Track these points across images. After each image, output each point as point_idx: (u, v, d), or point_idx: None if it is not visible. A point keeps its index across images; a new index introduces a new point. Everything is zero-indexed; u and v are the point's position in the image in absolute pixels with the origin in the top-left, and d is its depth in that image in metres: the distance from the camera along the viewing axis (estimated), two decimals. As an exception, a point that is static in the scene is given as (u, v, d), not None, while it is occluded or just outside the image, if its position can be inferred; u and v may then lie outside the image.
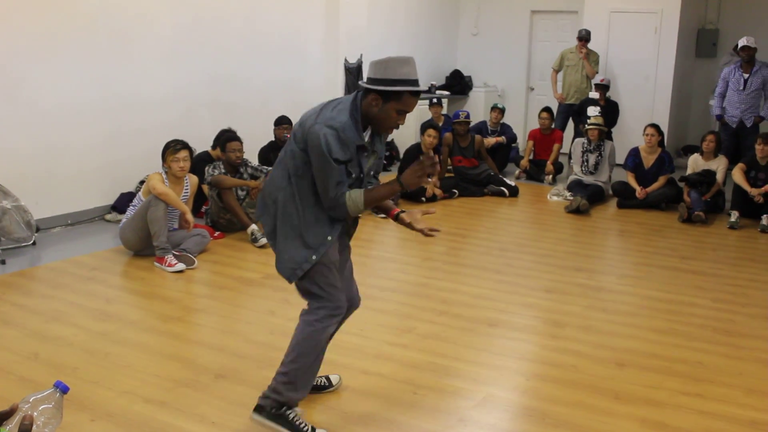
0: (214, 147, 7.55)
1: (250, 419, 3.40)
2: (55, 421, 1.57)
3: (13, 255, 6.06)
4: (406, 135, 10.53)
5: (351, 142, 3.19)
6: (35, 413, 1.52)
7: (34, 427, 1.47)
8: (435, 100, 10.48)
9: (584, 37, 10.53)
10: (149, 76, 7.67)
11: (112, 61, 7.27)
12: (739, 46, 8.84)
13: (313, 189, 3.28)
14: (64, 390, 1.64)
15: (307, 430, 3.36)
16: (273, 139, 8.18)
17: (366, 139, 3.30)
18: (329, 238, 3.32)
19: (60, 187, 6.95)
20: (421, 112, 10.53)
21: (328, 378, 3.87)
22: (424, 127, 9.01)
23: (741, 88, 8.91)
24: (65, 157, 6.97)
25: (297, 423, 3.36)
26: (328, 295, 3.43)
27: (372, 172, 3.50)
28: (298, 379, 3.39)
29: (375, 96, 3.20)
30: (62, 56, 6.82)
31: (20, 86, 6.53)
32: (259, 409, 3.40)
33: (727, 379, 4.05)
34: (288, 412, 3.38)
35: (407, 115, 3.31)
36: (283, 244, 3.37)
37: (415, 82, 3.21)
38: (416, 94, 3.23)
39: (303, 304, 4.96)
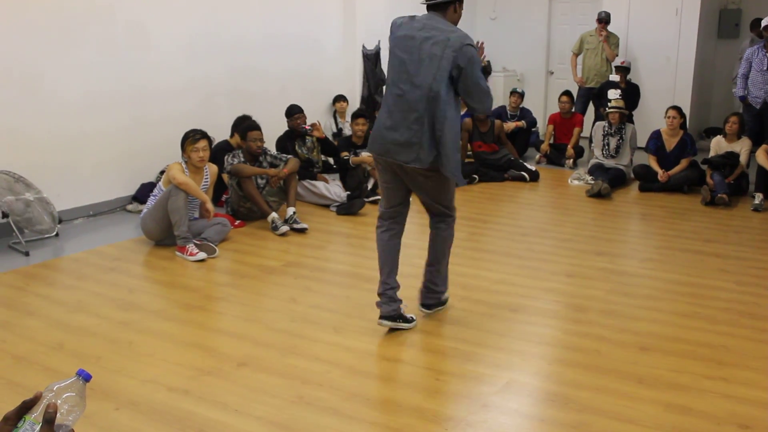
0: (231, 135, 7.57)
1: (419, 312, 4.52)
2: (79, 409, 1.58)
3: (36, 246, 6.11)
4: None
5: None
6: (59, 401, 1.52)
7: (57, 415, 1.48)
8: None
9: (604, 19, 10.43)
10: (167, 66, 7.69)
11: (131, 52, 7.30)
12: (763, 25, 8.71)
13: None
14: (87, 378, 1.64)
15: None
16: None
17: None
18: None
19: (81, 179, 7.00)
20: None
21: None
22: None
23: (765, 68, 8.77)
24: (86, 148, 7.01)
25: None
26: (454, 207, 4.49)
27: None
28: (446, 274, 4.62)
29: (460, 3, 4.27)
30: (81, 48, 6.85)
31: (40, 78, 6.56)
32: (428, 306, 4.63)
33: (752, 363, 4.01)
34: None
35: None
36: (452, 150, 4.08)
37: None
38: None
39: (325, 291, 4.96)
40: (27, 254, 5.90)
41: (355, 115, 8.10)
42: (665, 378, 3.82)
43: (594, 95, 10.37)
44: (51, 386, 1.56)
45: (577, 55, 10.79)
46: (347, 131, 9.46)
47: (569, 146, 9.95)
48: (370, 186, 7.79)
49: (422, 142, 4.03)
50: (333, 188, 7.62)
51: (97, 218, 7.08)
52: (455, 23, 4.20)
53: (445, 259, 4.58)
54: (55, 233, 6.35)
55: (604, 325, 4.55)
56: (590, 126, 9.74)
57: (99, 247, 6.18)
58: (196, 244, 5.91)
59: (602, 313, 4.75)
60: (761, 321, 4.64)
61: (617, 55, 10.46)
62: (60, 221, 6.48)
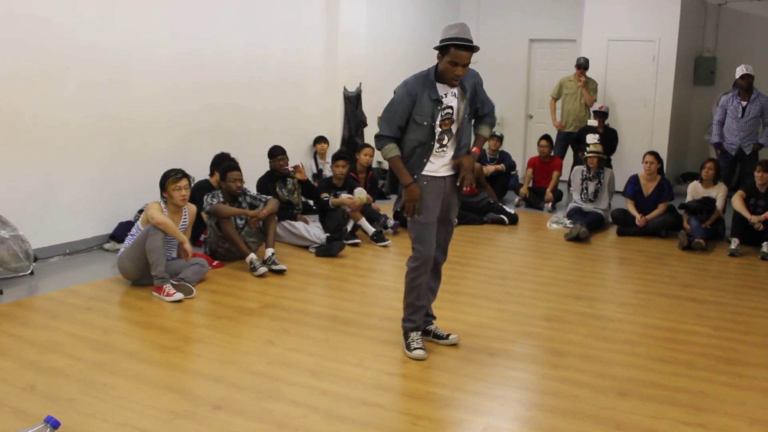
0: (211, 173, 7.56)
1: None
2: None
3: (10, 285, 6.03)
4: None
5: (414, 93, 4.35)
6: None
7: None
8: None
9: (583, 65, 10.59)
10: (148, 105, 7.69)
11: (112, 90, 7.29)
12: (738, 75, 8.87)
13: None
14: (55, 425, 1.61)
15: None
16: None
17: (445, 93, 4.40)
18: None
19: (58, 217, 6.94)
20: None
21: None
22: None
23: (739, 115, 8.92)
24: (63, 186, 6.96)
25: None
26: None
27: (465, 116, 4.51)
28: (406, 305, 4.78)
29: (438, 54, 4.34)
30: (61, 85, 6.84)
31: (19, 115, 6.53)
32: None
33: (730, 409, 4.01)
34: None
35: None
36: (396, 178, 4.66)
37: (460, 39, 4.21)
38: (461, 48, 4.20)
39: (303, 334, 4.96)
40: (0, 293, 5.81)
41: (335, 157, 8.12)
42: (644, 424, 3.81)
43: (573, 139, 10.49)
44: None
45: (555, 99, 10.93)
46: (327, 172, 9.48)
47: (548, 190, 10.03)
48: (349, 228, 7.78)
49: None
50: (312, 229, 7.60)
51: (74, 257, 7.01)
52: (440, 70, 4.39)
53: (406, 290, 4.70)
54: (29, 271, 6.27)
55: (582, 370, 4.54)
56: (569, 170, 9.82)
57: (74, 286, 6.11)
58: (173, 285, 5.85)
59: (580, 357, 4.74)
60: (739, 366, 4.65)
61: (596, 101, 10.60)
62: (35, 259, 6.41)
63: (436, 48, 4.33)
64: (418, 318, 4.75)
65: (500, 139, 10.58)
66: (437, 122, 4.42)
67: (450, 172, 4.58)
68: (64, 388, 4.13)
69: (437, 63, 4.40)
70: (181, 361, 4.65)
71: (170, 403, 3.96)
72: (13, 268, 6.15)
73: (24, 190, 6.62)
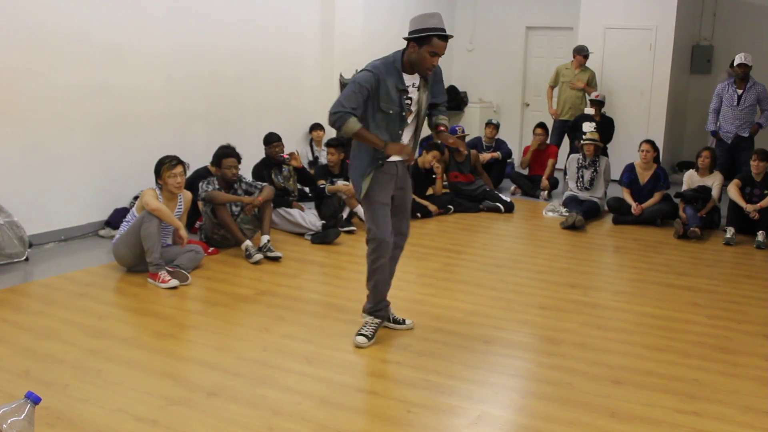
0: (213, 163, 7.52)
1: None
2: None
3: (5, 271, 6.02)
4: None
5: (380, 77, 4.31)
6: (4, 425, 1.47)
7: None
8: None
9: (582, 52, 10.53)
10: (144, 91, 7.66)
11: (107, 77, 7.26)
12: (736, 63, 8.86)
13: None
14: (36, 401, 1.59)
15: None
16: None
17: (412, 84, 4.39)
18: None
19: (53, 203, 6.92)
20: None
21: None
22: (429, 147, 8.97)
23: (735, 103, 8.92)
24: (59, 172, 6.94)
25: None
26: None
27: (424, 108, 4.55)
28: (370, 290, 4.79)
29: (412, 44, 4.30)
30: (56, 71, 6.80)
31: (13, 102, 6.51)
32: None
33: (724, 397, 4.03)
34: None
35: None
36: (353, 162, 4.63)
37: (441, 30, 4.22)
38: (443, 38, 4.23)
39: (298, 321, 4.98)
40: (-5, 279, 5.81)
41: (328, 144, 8.09)
42: (637, 412, 3.82)
43: (569, 128, 10.47)
44: None
45: (552, 87, 10.90)
46: (323, 159, 9.46)
47: (544, 178, 10.02)
48: (345, 215, 7.78)
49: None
50: (308, 217, 7.59)
51: (69, 243, 7.00)
52: (413, 60, 4.36)
53: (368, 274, 4.70)
54: (24, 258, 6.26)
55: (577, 358, 4.55)
56: (565, 158, 9.81)
57: (69, 272, 6.10)
58: (168, 271, 5.85)
59: (575, 345, 4.76)
60: (733, 355, 4.66)
61: (595, 90, 10.57)
62: (30, 246, 6.40)
63: (412, 38, 4.28)
64: (379, 304, 4.77)
65: (496, 127, 10.56)
66: (403, 111, 4.43)
67: (402, 158, 4.57)
68: (59, 374, 4.13)
69: (404, 51, 4.39)
70: (175, 348, 4.65)
71: (165, 390, 3.97)
72: (8, 254, 6.14)
73: (19, 176, 6.60)
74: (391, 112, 4.39)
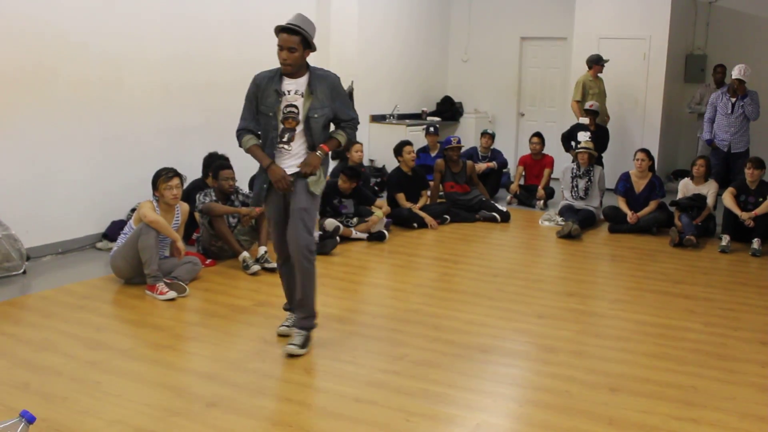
0: (205, 174, 7.53)
1: None
2: None
3: (3, 284, 6.03)
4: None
5: (260, 83, 4.58)
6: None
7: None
8: (431, 129, 10.41)
9: (599, 61, 10.39)
10: (140, 104, 7.67)
11: (104, 90, 7.28)
12: (734, 76, 8.90)
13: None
14: (30, 420, 1.60)
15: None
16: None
17: (295, 90, 4.53)
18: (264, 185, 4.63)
19: (51, 216, 6.93)
20: (416, 138, 10.52)
21: None
22: (400, 145, 8.97)
23: (729, 112, 8.97)
24: (56, 185, 6.95)
25: None
26: None
27: (312, 114, 4.55)
28: None
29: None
30: (52, 84, 6.82)
31: (11, 115, 6.52)
32: None
33: (721, 404, 4.04)
34: None
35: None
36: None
37: (286, 24, 4.43)
38: (283, 30, 4.44)
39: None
40: (-7, 292, 5.81)
41: (342, 172, 8.01)
42: (635, 419, 3.84)
43: (563, 137, 10.47)
44: None
45: (579, 102, 10.49)
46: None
47: (540, 187, 10.05)
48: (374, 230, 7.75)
49: None
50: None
51: (66, 256, 7.00)
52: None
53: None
54: (22, 270, 6.27)
55: (574, 366, 4.56)
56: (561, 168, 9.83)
57: (67, 285, 6.10)
58: (166, 283, 5.86)
59: (572, 354, 4.77)
60: (729, 362, 4.68)
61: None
62: (28, 258, 6.40)
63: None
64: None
65: (492, 137, 10.59)
66: (279, 117, 4.52)
67: (295, 170, 4.58)
68: (58, 386, 4.14)
69: None
70: (174, 359, 4.66)
71: (164, 401, 3.97)
72: (6, 267, 6.14)
73: (16, 189, 6.60)
74: (270, 114, 4.52)
